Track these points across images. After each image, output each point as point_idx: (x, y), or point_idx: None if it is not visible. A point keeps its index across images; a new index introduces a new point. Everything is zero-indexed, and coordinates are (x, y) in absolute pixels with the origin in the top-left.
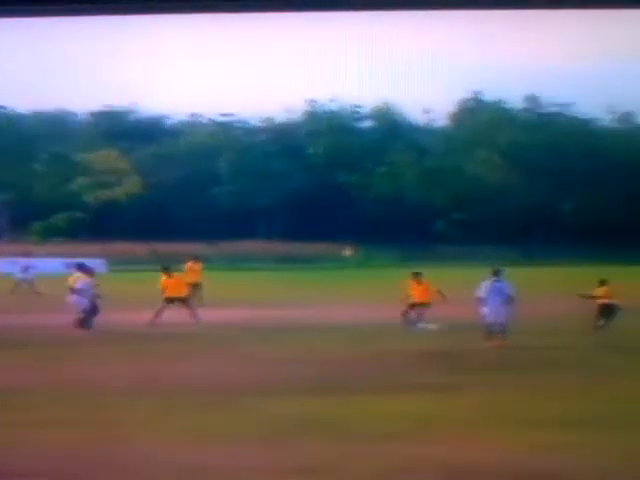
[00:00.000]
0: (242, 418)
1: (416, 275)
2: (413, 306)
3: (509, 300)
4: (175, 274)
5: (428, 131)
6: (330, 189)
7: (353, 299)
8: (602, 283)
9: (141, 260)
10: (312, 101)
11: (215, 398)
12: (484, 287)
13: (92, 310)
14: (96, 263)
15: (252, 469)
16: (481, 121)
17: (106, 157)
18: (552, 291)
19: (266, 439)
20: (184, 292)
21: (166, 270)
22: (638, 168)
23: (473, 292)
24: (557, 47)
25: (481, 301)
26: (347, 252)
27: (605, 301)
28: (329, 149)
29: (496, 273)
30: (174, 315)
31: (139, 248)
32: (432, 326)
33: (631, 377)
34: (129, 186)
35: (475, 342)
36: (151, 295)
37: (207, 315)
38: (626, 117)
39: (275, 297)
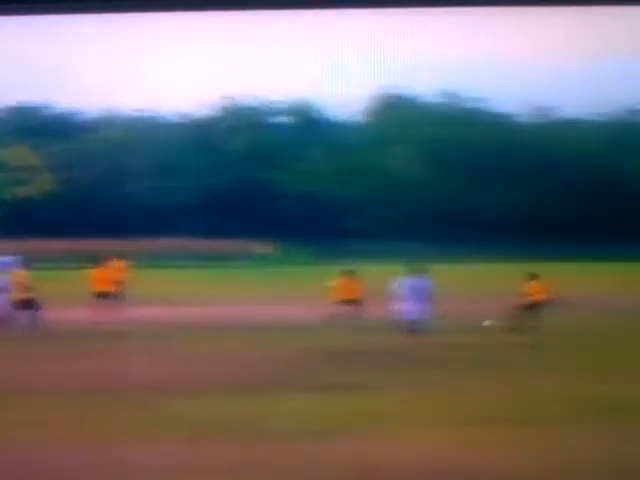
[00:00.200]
0: (163, 417)
1: (347, 273)
2: (344, 303)
3: (428, 297)
4: (106, 268)
5: (346, 126)
6: (249, 185)
7: (272, 297)
8: (532, 278)
9: (56, 258)
10: (230, 97)
11: (136, 397)
12: (403, 284)
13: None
14: (9, 260)
15: (172, 468)
16: (398, 116)
17: (18, 153)
18: (472, 288)
19: (186, 438)
20: (114, 287)
21: (98, 263)
22: (558, 163)
23: (392, 289)
24: (474, 42)
25: (399, 298)
26: (261, 249)
27: (535, 298)
28: (248, 145)
29: (415, 270)
30: (101, 313)
31: (54, 245)
32: (489, 322)
33: (551, 375)
34: (42, 183)
35: (394, 340)
36: (69, 293)
37: (132, 313)
38: (545, 112)
39: (194, 295)
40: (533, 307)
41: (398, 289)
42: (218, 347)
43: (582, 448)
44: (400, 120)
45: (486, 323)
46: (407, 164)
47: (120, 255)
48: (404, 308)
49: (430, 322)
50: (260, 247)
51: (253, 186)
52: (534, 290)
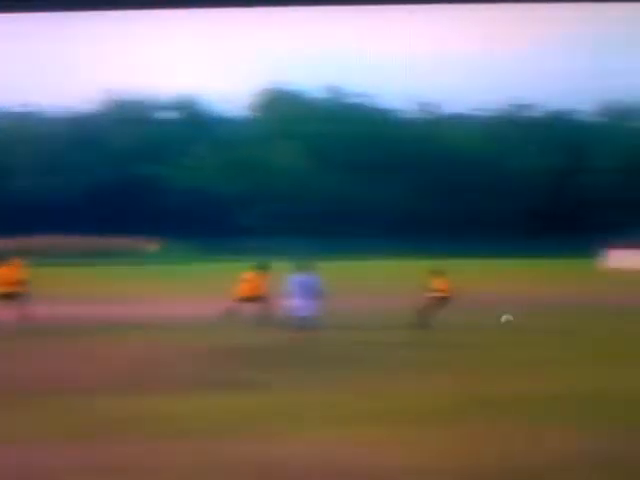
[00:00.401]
0: (56, 416)
1: (258, 268)
2: (244, 300)
3: (317, 294)
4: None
5: (232, 122)
6: (134, 181)
7: (160, 294)
8: (437, 275)
9: None
10: (116, 92)
11: (28, 396)
12: (291, 281)
13: None
14: None
15: (65, 468)
16: (284, 112)
17: None
18: (360, 285)
19: (81, 437)
20: (16, 288)
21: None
22: (442, 158)
23: (280, 286)
24: (358, 39)
25: (288, 295)
26: (149, 246)
27: (439, 294)
28: (132, 140)
29: (303, 267)
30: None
31: None
32: (506, 317)
33: (442, 372)
34: None
35: (284, 337)
36: None
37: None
38: (429, 107)
39: (85, 293)
40: (436, 303)
41: (286, 286)
42: (113, 345)
43: (472, 446)
44: (285, 116)
45: (503, 319)
46: (293, 160)
47: (8, 254)
48: (293, 305)
49: (320, 318)
50: (148, 244)
51: (139, 182)
52: (438, 286)
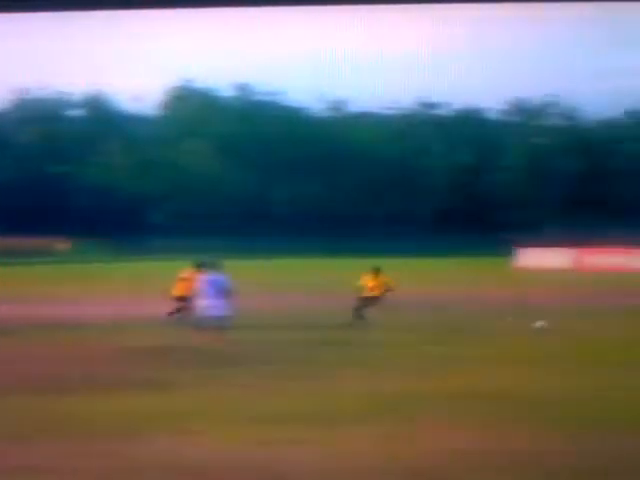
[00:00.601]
0: None
1: (196, 267)
2: (179, 299)
3: (226, 293)
4: None
5: (142, 120)
6: (41, 180)
7: (73, 294)
8: (376, 273)
9: None
10: (22, 90)
11: None
12: (199, 280)
13: None
14: None
15: None
16: (192, 110)
17: None
18: (271, 284)
19: None
20: None
21: None
22: (353, 156)
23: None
24: (268, 37)
25: (199, 294)
26: (60, 246)
27: (373, 293)
28: (39, 138)
29: (211, 266)
30: None
31: None
32: (540, 323)
33: (352, 371)
34: None
35: (195, 337)
36: None
37: None
38: (338, 105)
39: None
40: (367, 302)
41: (197, 285)
42: (29, 345)
43: (380, 446)
44: (195, 114)
45: (537, 324)
46: (203, 158)
47: None
48: (203, 304)
49: (230, 318)
50: (58, 244)
51: (48, 181)
52: (371, 285)
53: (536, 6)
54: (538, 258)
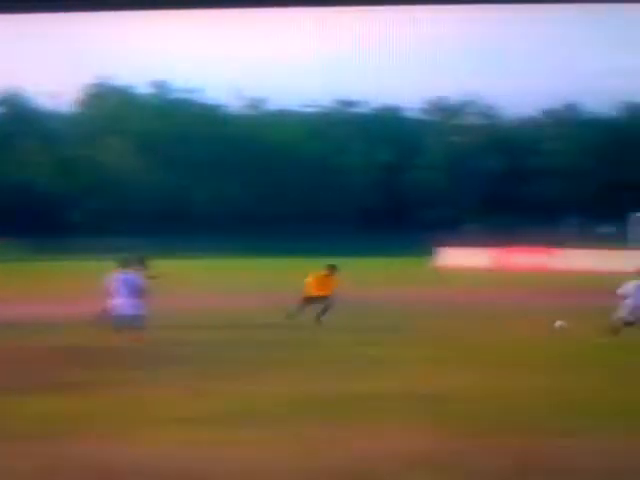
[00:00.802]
0: None
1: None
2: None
3: (139, 292)
4: None
5: (59, 118)
6: None
7: None
8: (331, 271)
9: None
10: None
11: None
12: (113, 279)
13: None
14: None
15: None
16: (111, 108)
17: None
18: (191, 284)
19: None
20: None
21: None
22: (271, 154)
23: (106, 284)
24: (187, 36)
25: (112, 294)
26: None
27: (322, 292)
28: None
29: (124, 264)
30: None
31: None
32: (560, 323)
33: (273, 371)
34: None
35: (114, 337)
36: None
37: None
38: (256, 103)
39: None
40: (308, 301)
41: (110, 284)
42: None
43: (309, 447)
44: (113, 112)
45: (557, 324)
46: (122, 157)
47: None
48: (117, 303)
49: (144, 317)
50: None
51: None
52: (321, 283)
53: (457, 8)
54: (458, 258)
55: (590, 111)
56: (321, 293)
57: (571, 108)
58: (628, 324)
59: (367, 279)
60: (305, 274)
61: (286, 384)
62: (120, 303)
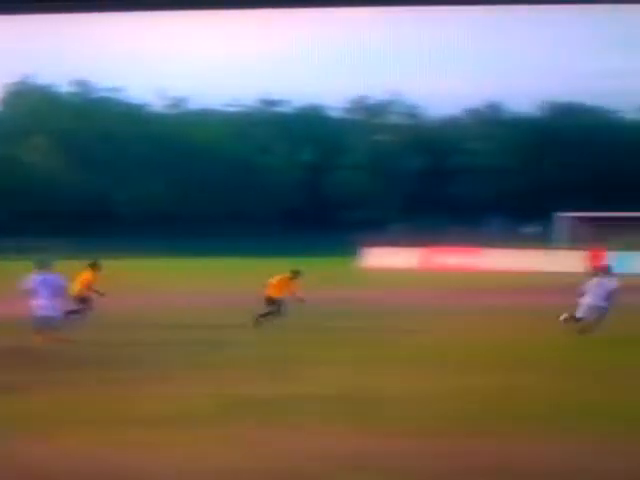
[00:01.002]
0: None
1: (91, 265)
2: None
3: (60, 292)
4: None
5: None
6: None
7: None
8: (294, 274)
9: None
10: None
11: None
12: (31, 280)
13: None
14: None
15: None
16: (31, 107)
17: None
18: (112, 285)
19: None
20: None
21: None
22: (194, 154)
23: (24, 285)
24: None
25: (29, 294)
26: None
27: (279, 294)
28: None
29: (42, 265)
30: None
31: None
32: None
33: (197, 372)
34: None
35: (36, 338)
36: None
37: None
38: (179, 102)
39: None
40: (271, 303)
41: (28, 285)
42: None
43: (241, 448)
44: (34, 111)
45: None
46: (43, 156)
47: None
48: (37, 305)
49: (62, 318)
50: None
51: None
52: (281, 286)
53: (381, 10)
54: (384, 258)
55: (513, 111)
56: (277, 295)
57: (494, 108)
58: (577, 320)
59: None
60: (230, 274)
61: (215, 385)
62: (40, 304)
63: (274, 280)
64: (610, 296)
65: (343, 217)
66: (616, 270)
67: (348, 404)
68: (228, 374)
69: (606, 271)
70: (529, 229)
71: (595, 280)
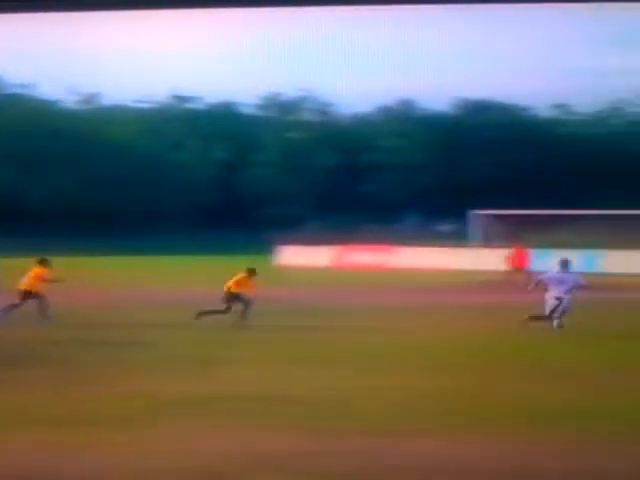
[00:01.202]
0: None
1: (42, 262)
2: (24, 295)
3: None
4: None
5: None
6: None
7: None
8: (251, 272)
9: None
10: None
11: None
12: None
13: None
14: None
15: None
16: None
17: None
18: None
19: None
20: None
21: None
22: (106, 150)
23: None
24: (20, 32)
25: None
26: None
27: (235, 290)
28: None
29: None
30: None
31: None
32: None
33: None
34: None
35: None
36: None
37: None
38: (90, 98)
39: None
40: (232, 298)
41: None
42: None
43: (169, 446)
44: None
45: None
46: None
47: None
48: None
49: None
50: None
51: None
52: (239, 283)
53: (293, 10)
54: (298, 256)
55: (427, 108)
56: (237, 290)
57: (408, 105)
58: (549, 317)
59: (207, 278)
60: (144, 272)
61: (141, 385)
62: None
63: (233, 279)
64: (572, 290)
65: (257, 215)
66: (534, 268)
67: (268, 403)
68: (144, 374)
69: (527, 269)
70: (444, 227)
71: (556, 274)
